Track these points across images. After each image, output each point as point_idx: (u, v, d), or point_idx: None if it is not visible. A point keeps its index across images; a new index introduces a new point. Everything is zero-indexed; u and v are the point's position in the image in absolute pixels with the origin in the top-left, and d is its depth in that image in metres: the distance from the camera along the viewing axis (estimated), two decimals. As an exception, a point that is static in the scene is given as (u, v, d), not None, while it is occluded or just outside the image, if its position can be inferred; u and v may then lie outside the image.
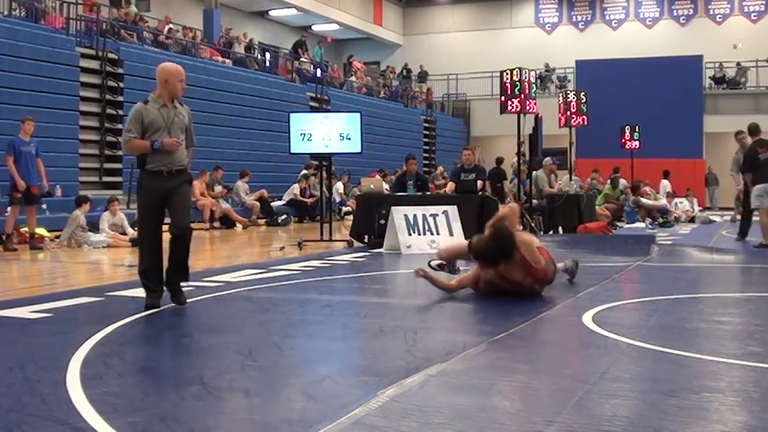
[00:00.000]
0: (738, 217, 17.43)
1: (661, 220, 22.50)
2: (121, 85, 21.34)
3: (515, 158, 19.52)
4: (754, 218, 15.67)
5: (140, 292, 8.56)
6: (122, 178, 20.76)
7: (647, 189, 24.77)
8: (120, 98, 21.21)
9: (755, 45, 36.51)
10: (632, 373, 5.31)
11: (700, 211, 27.15)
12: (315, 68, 32.11)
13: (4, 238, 14.85)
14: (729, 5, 39.23)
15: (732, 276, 11.81)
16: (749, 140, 15.29)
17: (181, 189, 7.84)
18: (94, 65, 20.97)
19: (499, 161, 23.06)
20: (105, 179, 20.72)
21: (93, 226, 15.58)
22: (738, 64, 36.75)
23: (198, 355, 5.69)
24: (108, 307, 7.91)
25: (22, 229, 15.07)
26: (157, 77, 7.67)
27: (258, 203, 23.05)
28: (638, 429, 3.97)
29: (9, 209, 14.95)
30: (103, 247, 15.03)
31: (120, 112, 21.10)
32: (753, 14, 38.91)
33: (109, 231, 15.48)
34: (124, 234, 15.59)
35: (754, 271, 12.11)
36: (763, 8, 38.71)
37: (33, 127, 14.97)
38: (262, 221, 22.84)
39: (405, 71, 41.50)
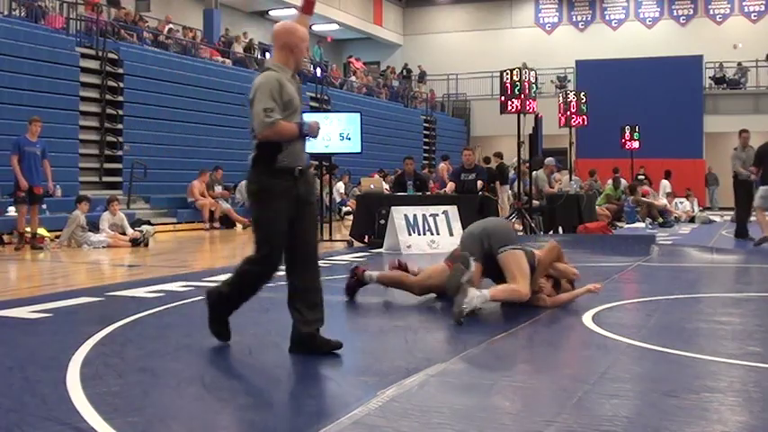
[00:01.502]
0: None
1: (661, 220, 22.50)
2: (121, 85, 21.33)
3: (515, 158, 19.51)
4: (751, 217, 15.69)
5: (140, 293, 8.58)
6: (122, 178, 20.76)
7: (647, 188, 24.74)
8: (120, 98, 21.21)
9: (755, 45, 36.51)
10: (632, 373, 5.31)
11: (700, 211, 27.16)
12: (315, 68, 32.10)
13: (4, 238, 14.87)
14: (729, 5, 39.22)
15: (732, 276, 11.81)
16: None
17: (312, 197, 5.87)
18: (94, 65, 20.96)
19: (487, 161, 23.09)
20: (105, 179, 20.71)
21: (93, 226, 15.58)
22: (738, 64, 36.75)
23: (198, 355, 5.69)
24: (108, 307, 7.91)
25: (26, 229, 15.06)
26: (284, 41, 5.84)
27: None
28: (638, 429, 3.98)
29: (11, 208, 14.97)
30: (103, 247, 15.04)
31: (120, 112, 21.12)
32: (753, 14, 38.90)
33: (109, 231, 15.48)
34: (124, 234, 15.59)
35: (753, 271, 12.11)
36: (763, 8, 38.69)
37: (41, 128, 14.99)
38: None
39: (405, 71, 41.50)
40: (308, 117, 16.55)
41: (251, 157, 5.70)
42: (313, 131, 5.66)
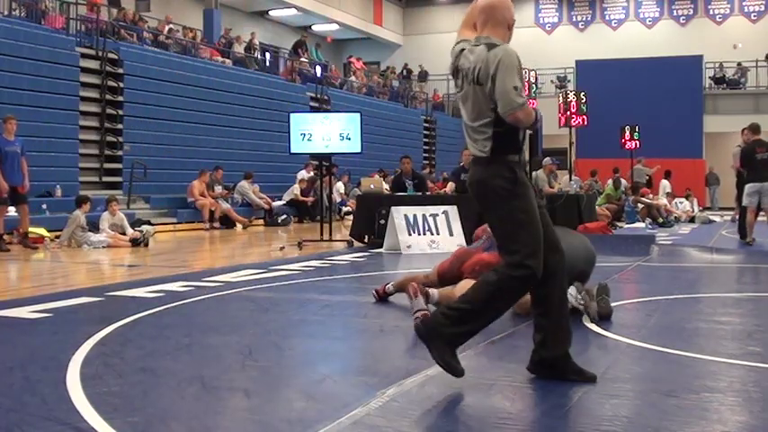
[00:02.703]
0: (738, 217, 17.47)
1: (661, 220, 22.51)
2: (121, 85, 21.33)
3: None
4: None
5: (140, 293, 8.58)
6: (122, 178, 20.77)
7: (647, 189, 24.77)
8: (120, 98, 21.22)
9: (755, 45, 36.51)
10: (632, 373, 5.31)
11: (700, 210, 27.16)
12: (314, 68, 32.11)
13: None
14: (729, 5, 39.22)
15: (732, 276, 11.82)
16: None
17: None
18: (94, 65, 20.97)
19: None
20: (105, 179, 20.71)
21: (93, 226, 15.57)
22: (738, 64, 36.76)
23: (198, 354, 5.69)
24: (108, 307, 7.91)
25: (20, 230, 15.04)
26: (504, 16, 5.11)
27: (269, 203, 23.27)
28: (637, 429, 3.98)
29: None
30: (103, 247, 15.03)
31: (121, 112, 21.12)
32: (753, 14, 38.91)
33: (109, 231, 15.47)
34: (124, 234, 15.58)
35: (753, 271, 12.12)
36: (762, 8, 38.70)
37: (16, 125, 14.87)
38: (260, 221, 22.87)
39: (405, 71, 41.49)
40: (308, 117, 16.60)
41: (488, 147, 4.76)
42: (538, 120, 4.90)
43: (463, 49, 5.02)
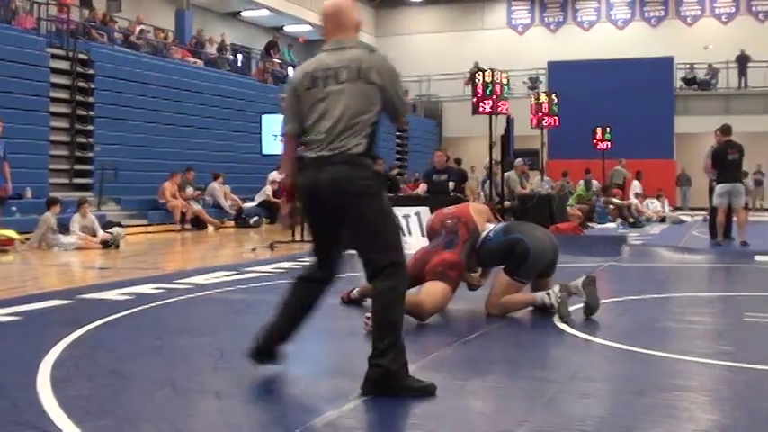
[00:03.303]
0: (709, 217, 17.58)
1: (631, 220, 22.62)
2: (92, 86, 21.20)
3: (487, 159, 19.55)
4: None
5: (111, 295, 8.53)
6: (93, 180, 20.63)
7: (618, 190, 24.88)
8: (91, 99, 21.08)
9: (726, 46, 36.70)
10: (604, 372, 5.33)
11: (670, 211, 27.30)
12: (287, 69, 32.04)
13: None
14: (700, 7, 39.44)
15: (703, 276, 11.89)
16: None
17: None
18: (65, 66, 20.83)
19: (458, 162, 23.13)
20: (76, 181, 20.56)
21: (64, 228, 15.47)
22: (709, 65, 36.97)
23: (169, 357, 5.66)
24: (79, 309, 7.86)
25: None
26: (356, 20, 5.10)
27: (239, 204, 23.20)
28: (609, 428, 3.99)
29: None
30: (74, 249, 14.93)
31: (91, 113, 20.99)
32: (723, 16, 39.14)
33: (79, 233, 15.38)
34: (95, 236, 15.49)
35: (724, 270, 12.20)
36: (733, 10, 38.95)
37: (1, 128, 14.82)
38: (231, 223, 22.80)
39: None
40: (280, 118, 16.58)
41: (362, 147, 4.75)
42: None
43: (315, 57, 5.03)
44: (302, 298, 5.13)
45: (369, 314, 6.68)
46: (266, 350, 5.05)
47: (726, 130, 15.41)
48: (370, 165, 4.79)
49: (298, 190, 4.90)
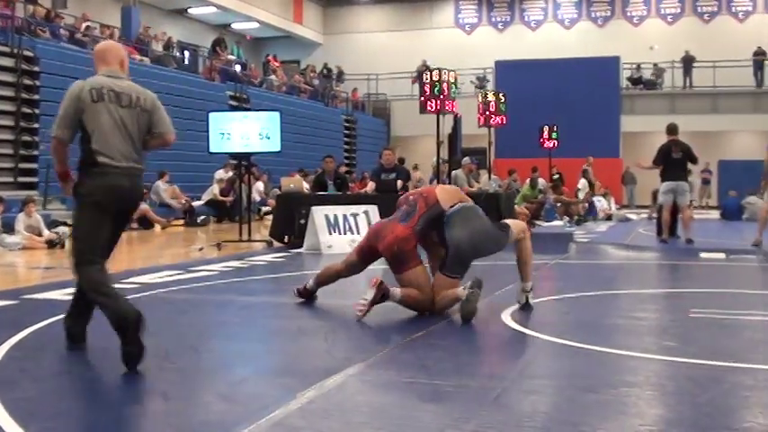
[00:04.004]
0: (655, 215, 17.76)
1: (576, 217, 22.79)
2: (37, 83, 20.94)
3: (434, 158, 19.58)
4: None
5: (56, 295, 8.41)
6: (38, 178, 20.38)
7: (566, 188, 25.05)
8: (36, 96, 20.81)
9: (671, 47, 37.12)
10: (551, 369, 5.35)
11: (617, 209, 27.53)
12: (234, 66, 31.89)
13: None
14: (646, 8, 39.84)
15: (648, 273, 12.00)
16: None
17: None
18: (9, 63, 20.55)
19: (402, 161, 23.17)
20: (20, 179, 20.31)
21: (8, 227, 15.27)
22: (654, 65, 37.37)
23: (115, 358, 5.58)
24: (23, 310, 7.74)
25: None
26: (122, 56, 6.21)
27: (185, 203, 23.01)
28: (557, 425, 4.00)
29: None
30: (19, 248, 14.73)
31: (37, 111, 20.72)
32: (669, 17, 39.56)
33: (24, 233, 15.17)
34: (40, 236, 15.30)
35: (669, 267, 12.32)
36: (678, 10, 39.38)
37: None
38: (180, 221, 22.63)
39: (325, 70, 41.42)
40: (227, 116, 16.45)
41: (141, 162, 5.92)
42: None
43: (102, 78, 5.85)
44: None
45: (363, 300, 6.73)
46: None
47: (671, 129, 15.60)
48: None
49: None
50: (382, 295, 6.95)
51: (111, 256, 5.81)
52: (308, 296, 7.99)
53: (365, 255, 7.61)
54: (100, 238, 5.64)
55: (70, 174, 5.87)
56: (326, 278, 7.98)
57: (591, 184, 25.04)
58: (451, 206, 7.25)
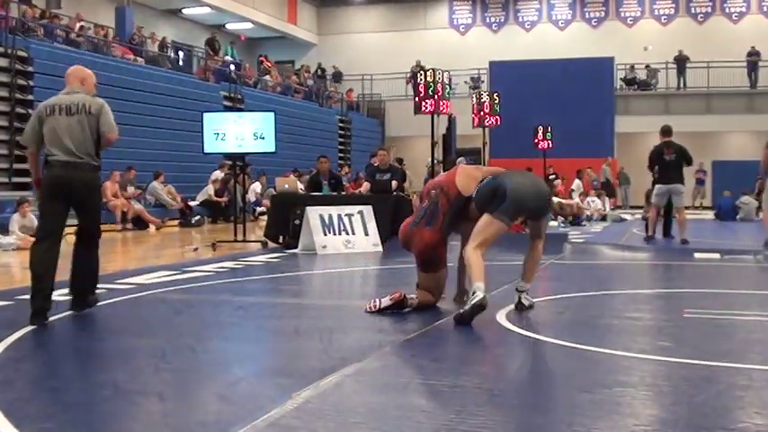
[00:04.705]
0: (647, 215, 17.80)
1: (570, 218, 22.85)
2: (32, 83, 20.91)
3: (429, 158, 19.62)
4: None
5: (52, 296, 8.38)
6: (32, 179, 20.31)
7: (561, 188, 25.06)
8: (31, 97, 20.78)
9: (665, 47, 37.16)
10: (546, 369, 5.37)
11: (611, 209, 27.57)
12: (228, 67, 31.87)
13: None
14: (640, 8, 39.89)
15: (643, 273, 12.02)
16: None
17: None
18: (3, 63, 20.52)
19: (400, 161, 23.19)
20: (15, 180, 20.27)
21: (3, 228, 15.25)
22: (647, 66, 37.41)
23: (110, 358, 5.61)
24: (19, 311, 7.70)
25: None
26: (82, 74, 7.67)
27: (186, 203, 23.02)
28: (552, 425, 4.01)
29: None
30: (13, 249, 14.71)
31: (31, 111, 20.66)
32: (663, 17, 39.61)
33: (19, 233, 15.16)
34: (35, 236, 15.26)
35: (663, 268, 12.34)
36: (672, 11, 39.43)
37: None
38: (174, 222, 22.61)
39: (320, 71, 41.41)
40: (222, 116, 16.43)
41: (87, 157, 7.23)
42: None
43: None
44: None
45: (377, 302, 6.79)
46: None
47: (665, 131, 15.60)
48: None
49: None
50: (400, 306, 7.06)
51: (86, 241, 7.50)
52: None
53: (424, 263, 7.49)
54: (48, 220, 7.26)
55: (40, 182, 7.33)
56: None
57: (607, 184, 24.93)
58: (480, 181, 7.24)
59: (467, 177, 7.42)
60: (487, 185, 7.09)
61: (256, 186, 25.70)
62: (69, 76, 7.48)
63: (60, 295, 7.46)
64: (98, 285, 7.66)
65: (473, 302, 6.47)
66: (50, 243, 7.06)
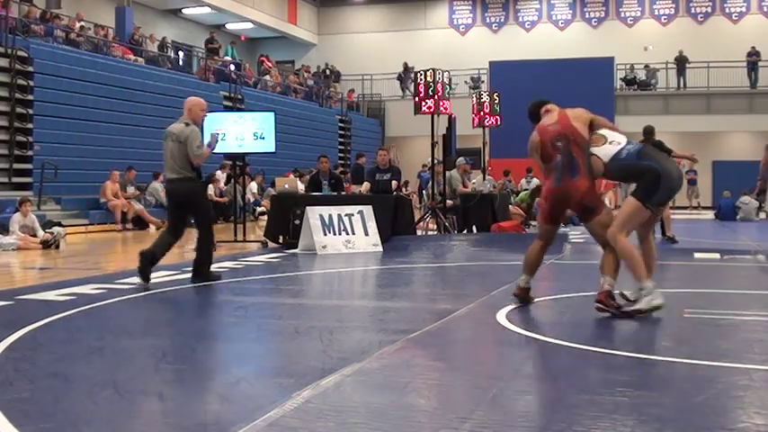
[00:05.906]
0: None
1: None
2: (32, 83, 20.90)
3: (429, 158, 19.61)
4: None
5: (51, 296, 8.42)
6: (32, 179, 20.34)
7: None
8: (30, 97, 20.78)
9: (665, 47, 37.19)
10: (546, 369, 5.37)
11: (611, 209, 27.54)
12: (228, 66, 31.87)
13: None
14: (640, 8, 39.90)
15: (642, 274, 11.99)
16: None
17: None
18: (4, 63, 20.51)
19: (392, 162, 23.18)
20: (15, 180, 20.27)
21: (4, 228, 15.26)
22: (646, 66, 37.42)
23: (110, 358, 5.60)
24: (18, 311, 7.74)
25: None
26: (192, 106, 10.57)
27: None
28: (551, 425, 4.01)
29: None
30: (13, 249, 14.72)
31: (31, 111, 20.69)
32: (663, 17, 39.63)
33: (19, 233, 15.16)
34: (35, 236, 15.28)
35: (664, 267, 12.33)
36: (672, 11, 39.45)
37: None
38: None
39: (327, 70, 41.41)
40: (222, 116, 16.43)
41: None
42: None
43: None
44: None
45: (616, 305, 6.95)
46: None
47: (646, 131, 15.58)
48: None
49: None
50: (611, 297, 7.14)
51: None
52: (525, 294, 7.72)
53: (554, 218, 7.81)
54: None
55: None
56: (534, 262, 7.89)
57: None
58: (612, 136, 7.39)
59: (581, 122, 7.55)
60: (636, 163, 7.16)
61: (253, 186, 25.68)
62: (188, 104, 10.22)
63: (60, 295, 7.43)
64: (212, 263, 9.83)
65: (652, 304, 6.73)
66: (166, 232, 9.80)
